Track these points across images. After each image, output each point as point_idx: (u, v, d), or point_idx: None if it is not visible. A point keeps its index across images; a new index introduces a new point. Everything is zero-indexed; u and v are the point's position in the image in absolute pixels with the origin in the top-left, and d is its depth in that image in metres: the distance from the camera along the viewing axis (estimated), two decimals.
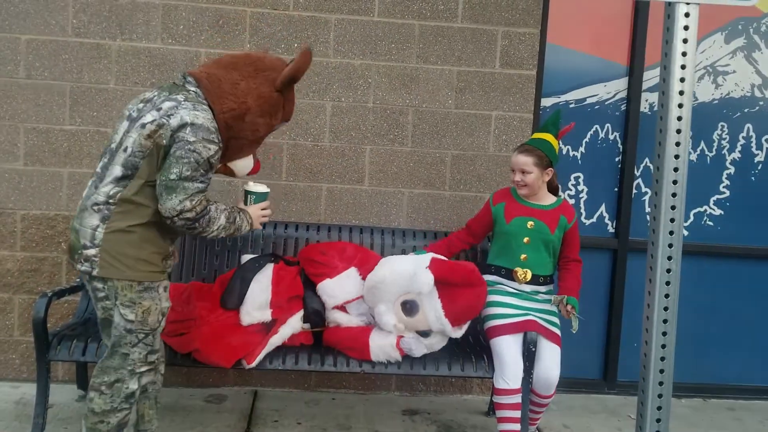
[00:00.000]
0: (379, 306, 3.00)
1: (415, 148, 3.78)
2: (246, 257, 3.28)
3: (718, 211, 4.13)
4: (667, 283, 1.67)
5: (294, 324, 3.08)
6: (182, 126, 2.35)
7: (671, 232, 1.67)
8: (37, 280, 3.63)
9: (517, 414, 3.01)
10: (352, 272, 3.18)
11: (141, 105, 2.50)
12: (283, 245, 3.57)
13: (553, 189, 3.29)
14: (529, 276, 3.18)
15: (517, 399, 3.02)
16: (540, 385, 3.09)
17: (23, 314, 3.63)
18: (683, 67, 1.67)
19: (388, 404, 3.70)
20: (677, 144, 1.67)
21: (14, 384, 3.61)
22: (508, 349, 3.04)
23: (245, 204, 2.72)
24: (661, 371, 1.69)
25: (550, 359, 3.06)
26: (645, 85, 3.99)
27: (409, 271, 2.96)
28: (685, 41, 1.67)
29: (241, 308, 3.02)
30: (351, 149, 3.75)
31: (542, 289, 3.22)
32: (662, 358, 1.68)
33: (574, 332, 3.04)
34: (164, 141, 2.37)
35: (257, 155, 2.76)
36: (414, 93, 3.75)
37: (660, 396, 1.70)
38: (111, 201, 2.41)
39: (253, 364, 2.94)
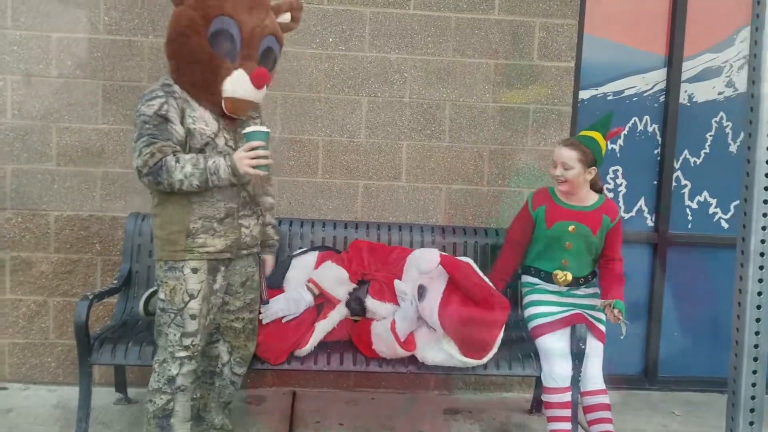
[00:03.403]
0: (406, 284, 3.03)
1: (453, 143, 3.72)
2: None
3: None
4: (760, 281, 1.60)
5: (342, 310, 3.09)
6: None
7: (764, 227, 1.60)
8: (72, 282, 3.58)
9: (568, 413, 2.96)
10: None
11: None
12: (321, 243, 3.50)
13: (596, 190, 3.18)
14: (569, 279, 3.12)
15: (567, 397, 2.96)
16: (583, 380, 3.00)
17: (58, 317, 3.58)
18: None
19: (428, 404, 3.65)
20: None
21: (51, 387, 3.58)
22: (554, 347, 2.98)
23: None
24: (754, 372, 1.62)
25: (590, 354, 2.99)
26: (684, 76, 3.92)
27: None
28: None
29: (284, 285, 3.08)
30: (387, 145, 3.68)
31: (581, 290, 3.17)
32: (755, 359, 1.61)
33: (623, 338, 2.98)
34: None
35: (249, 65, 2.47)
36: (451, 87, 3.69)
37: (753, 398, 1.63)
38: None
39: (304, 351, 2.96)
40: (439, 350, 2.92)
